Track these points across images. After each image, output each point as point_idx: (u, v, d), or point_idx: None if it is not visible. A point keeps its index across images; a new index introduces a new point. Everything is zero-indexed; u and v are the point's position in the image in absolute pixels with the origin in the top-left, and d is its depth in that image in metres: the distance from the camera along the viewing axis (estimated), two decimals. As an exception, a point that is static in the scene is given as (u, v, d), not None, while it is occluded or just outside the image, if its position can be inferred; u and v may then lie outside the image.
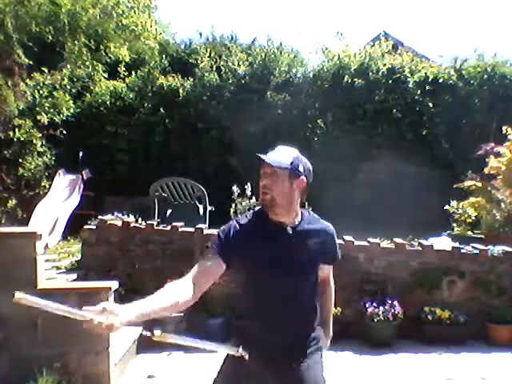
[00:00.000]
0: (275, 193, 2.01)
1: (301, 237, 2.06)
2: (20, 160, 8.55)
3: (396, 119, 8.95)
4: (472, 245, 5.74)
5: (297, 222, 2.08)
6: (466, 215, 6.78)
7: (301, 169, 2.06)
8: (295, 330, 2.08)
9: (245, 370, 2.02)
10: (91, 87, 9.94)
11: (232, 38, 11.32)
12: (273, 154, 2.07)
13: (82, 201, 8.48)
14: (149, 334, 1.85)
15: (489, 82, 9.19)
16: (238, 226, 2.03)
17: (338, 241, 5.76)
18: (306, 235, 2.08)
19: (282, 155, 2.06)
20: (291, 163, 2.04)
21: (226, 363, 2.11)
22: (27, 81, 9.16)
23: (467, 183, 7.26)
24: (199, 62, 9.87)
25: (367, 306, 5.21)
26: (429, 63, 9.82)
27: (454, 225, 6.91)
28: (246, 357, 2.00)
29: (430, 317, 5.26)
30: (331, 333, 2.40)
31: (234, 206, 6.06)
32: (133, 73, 10.20)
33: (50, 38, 10.64)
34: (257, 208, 2.16)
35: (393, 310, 5.13)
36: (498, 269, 5.54)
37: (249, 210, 2.07)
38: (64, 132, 9.23)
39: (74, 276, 5.35)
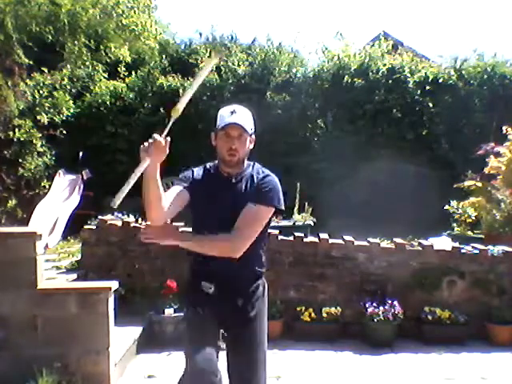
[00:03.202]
0: (241, 154, 2.28)
1: (241, 183, 2.31)
2: (20, 160, 8.55)
3: (396, 119, 8.96)
4: (472, 245, 5.74)
5: (240, 171, 2.34)
6: (465, 215, 6.78)
7: (253, 128, 2.35)
8: (238, 266, 2.24)
9: (207, 300, 2.30)
10: (91, 87, 9.94)
11: (232, 37, 11.33)
12: (239, 117, 2.28)
13: (82, 201, 8.48)
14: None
15: (489, 82, 9.19)
16: (195, 172, 2.39)
17: (338, 241, 5.72)
18: (245, 182, 2.32)
19: (247, 118, 2.32)
20: (253, 125, 2.34)
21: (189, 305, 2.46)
22: (27, 81, 9.15)
23: (467, 183, 7.26)
24: (199, 62, 9.88)
25: (367, 305, 5.21)
26: (429, 63, 9.82)
27: (454, 225, 6.90)
28: (212, 289, 2.30)
29: (430, 317, 5.26)
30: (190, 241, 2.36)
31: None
32: (133, 73, 10.21)
33: (50, 37, 10.63)
34: (210, 164, 2.44)
35: (393, 310, 5.13)
36: (498, 269, 5.54)
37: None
38: (64, 132, 9.23)
39: (74, 276, 5.35)
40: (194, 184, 2.32)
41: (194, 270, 2.42)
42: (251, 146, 2.36)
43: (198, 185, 2.32)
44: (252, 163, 2.41)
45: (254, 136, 2.36)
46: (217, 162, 2.39)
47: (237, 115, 2.27)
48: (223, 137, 2.27)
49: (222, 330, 2.36)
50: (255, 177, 2.33)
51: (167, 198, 2.23)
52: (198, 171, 2.40)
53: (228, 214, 2.24)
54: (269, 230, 2.57)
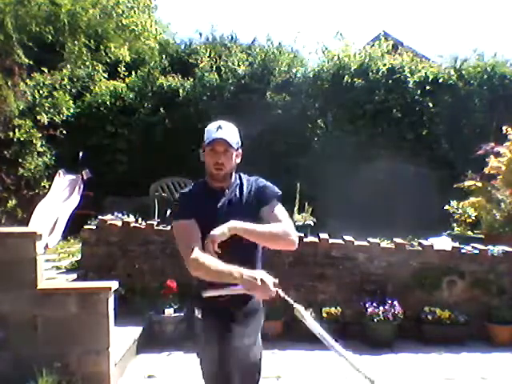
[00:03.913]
0: (227, 168, 2.33)
1: (235, 194, 2.37)
2: (20, 160, 8.55)
3: (396, 119, 8.95)
4: (472, 245, 5.74)
5: (229, 184, 2.39)
6: (465, 215, 6.77)
7: (239, 143, 2.39)
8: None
9: (213, 324, 2.25)
10: (91, 87, 9.93)
11: (232, 38, 11.32)
12: (225, 132, 2.31)
13: (82, 201, 8.48)
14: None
15: (489, 82, 9.18)
16: (188, 196, 2.38)
17: (338, 241, 5.73)
18: (237, 192, 2.38)
19: (232, 133, 2.36)
20: (239, 140, 2.38)
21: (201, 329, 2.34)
22: (27, 81, 9.14)
23: (467, 183, 7.25)
24: (199, 62, 9.88)
25: (367, 305, 5.21)
26: (429, 63, 9.81)
27: (454, 225, 6.90)
28: (200, 315, 2.29)
29: (429, 317, 5.27)
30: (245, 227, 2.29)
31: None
32: (133, 73, 10.20)
33: (50, 37, 10.61)
34: (197, 181, 2.49)
35: (393, 310, 5.13)
36: (498, 269, 5.54)
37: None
38: (64, 132, 9.22)
39: (74, 276, 5.35)
40: (196, 210, 2.30)
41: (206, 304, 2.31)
42: (238, 160, 2.41)
43: (198, 209, 2.30)
44: (237, 175, 2.46)
45: (240, 150, 2.41)
46: (205, 178, 2.43)
47: (222, 131, 2.31)
48: (210, 152, 2.32)
49: None
50: (246, 184, 2.41)
51: (200, 245, 2.22)
52: (190, 198, 2.37)
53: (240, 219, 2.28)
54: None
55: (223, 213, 2.30)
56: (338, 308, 5.32)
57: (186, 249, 2.19)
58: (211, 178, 2.36)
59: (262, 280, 2.05)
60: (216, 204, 2.33)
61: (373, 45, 9.81)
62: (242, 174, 2.48)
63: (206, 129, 2.38)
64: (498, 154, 7.07)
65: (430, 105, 8.97)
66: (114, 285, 3.89)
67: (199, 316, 2.31)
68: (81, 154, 9.03)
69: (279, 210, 2.38)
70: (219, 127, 2.31)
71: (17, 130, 8.51)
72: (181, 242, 2.25)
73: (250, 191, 2.39)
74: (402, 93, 9.01)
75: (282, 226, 2.30)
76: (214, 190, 2.37)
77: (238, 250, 2.21)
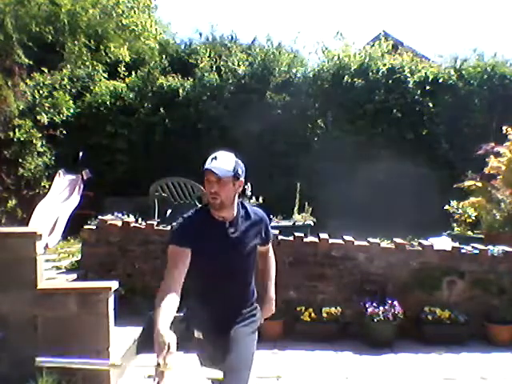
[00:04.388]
0: (223, 197, 2.38)
1: (238, 228, 2.47)
2: (20, 160, 8.54)
3: (396, 119, 8.95)
4: (472, 245, 5.74)
5: (234, 215, 2.47)
6: (465, 215, 6.78)
7: (240, 172, 2.43)
8: (234, 306, 2.52)
9: (204, 343, 2.55)
10: (91, 87, 9.92)
11: (232, 37, 11.31)
12: (217, 163, 2.38)
13: (82, 201, 8.47)
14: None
15: (489, 82, 9.19)
16: (188, 222, 2.45)
17: (338, 241, 5.74)
18: (241, 226, 2.48)
19: (225, 163, 2.40)
20: (233, 170, 2.39)
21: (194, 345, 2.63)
22: (27, 81, 9.14)
23: (467, 183, 7.26)
24: (199, 62, 9.87)
25: (367, 305, 5.21)
26: (429, 63, 9.81)
27: (454, 225, 6.90)
28: (201, 336, 2.55)
29: (430, 317, 5.26)
30: (273, 296, 2.81)
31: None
32: (133, 73, 10.19)
33: (50, 38, 10.60)
34: (199, 206, 2.62)
35: (393, 310, 5.13)
36: (498, 269, 5.54)
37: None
38: (64, 132, 9.21)
39: (74, 276, 5.35)
40: (193, 241, 2.37)
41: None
42: (239, 190, 2.46)
43: (197, 240, 2.37)
44: (240, 205, 2.53)
45: (241, 179, 2.44)
46: (208, 206, 2.49)
47: (216, 161, 2.38)
48: (206, 181, 2.42)
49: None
50: (252, 219, 2.54)
51: (180, 272, 2.36)
52: (192, 226, 2.43)
53: (234, 257, 2.47)
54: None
55: (224, 249, 2.43)
56: (338, 308, 5.32)
57: (165, 274, 2.35)
58: (211, 206, 2.43)
59: (163, 346, 1.97)
60: (218, 238, 2.43)
61: (373, 45, 9.81)
62: (246, 205, 2.58)
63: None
64: (497, 154, 7.07)
65: (430, 105, 8.98)
66: (114, 285, 3.88)
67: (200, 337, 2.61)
68: (81, 154, 9.03)
69: (271, 248, 2.78)
70: (214, 158, 2.39)
71: (17, 129, 8.50)
72: (167, 265, 2.38)
73: (250, 226, 2.52)
74: (402, 93, 9.01)
75: (273, 263, 2.82)
76: (216, 221, 2.45)
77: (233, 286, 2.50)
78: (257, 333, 2.59)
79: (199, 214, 2.49)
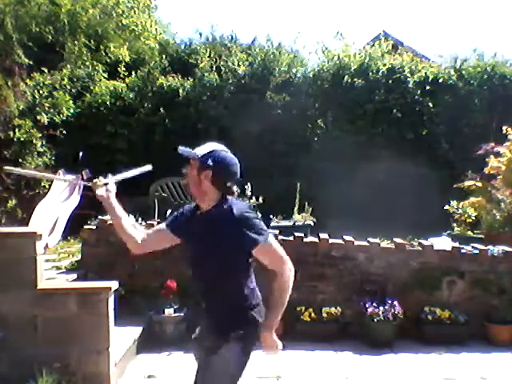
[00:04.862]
0: (189, 180, 2.38)
1: (207, 222, 2.34)
2: (20, 160, 8.53)
3: (396, 119, 8.95)
4: (472, 245, 5.74)
5: (208, 208, 2.35)
6: (465, 215, 6.77)
7: (210, 162, 2.30)
8: (214, 305, 2.36)
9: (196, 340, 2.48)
10: (91, 87, 9.93)
11: (232, 38, 11.32)
12: (197, 147, 2.39)
13: (82, 201, 8.47)
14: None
15: (489, 82, 9.19)
16: (183, 210, 2.52)
17: (338, 241, 5.72)
18: (211, 221, 2.33)
19: (200, 149, 2.37)
20: (202, 156, 2.32)
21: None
22: (27, 81, 9.13)
23: (467, 183, 7.26)
24: (199, 62, 9.87)
25: (367, 305, 5.21)
26: (429, 63, 9.81)
27: (454, 225, 6.90)
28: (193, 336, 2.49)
29: (430, 317, 5.26)
30: (272, 324, 2.36)
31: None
32: (133, 73, 10.19)
33: (50, 38, 10.61)
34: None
35: (393, 310, 5.13)
36: (498, 269, 5.54)
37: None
38: (64, 132, 9.21)
39: (74, 276, 5.34)
40: (180, 223, 2.48)
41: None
42: (207, 181, 2.32)
43: (183, 224, 2.47)
44: (226, 199, 2.34)
45: (208, 172, 2.30)
46: None
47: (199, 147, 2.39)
48: None
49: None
50: (231, 216, 2.27)
51: (149, 235, 2.62)
52: (185, 210, 2.53)
53: (207, 252, 2.34)
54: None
55: (197, 241, 2.38)
56: (338, 308, 5.32)
57: None
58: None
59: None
60: (195, 229, 2.39)
61: (373, 45, 9.81)
62: (233, 202, 2.33)
63: None
64: (497, 154, 7.07)
65: (430, 105, 8.98)
66: (114, 285, 3.88)
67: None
68: (81, 154, 9.03)
69: (275, 249, 2.40)
70: (200, 148, 2.38)
71: (17, 129, 8.50)
72: None
73: (222, 224, 2.29)
74: (402, 93, 9.01)
75: (283, 281, 2.50)
76: (198, 212, 2.43)
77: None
78: (243, 352, 2.30)
79: (192, 205, 2.50)
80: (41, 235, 3.81)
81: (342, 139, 8.66)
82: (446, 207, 6.99)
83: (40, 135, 8.80)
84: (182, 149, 2.35)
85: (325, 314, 5.24)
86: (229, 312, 2.33)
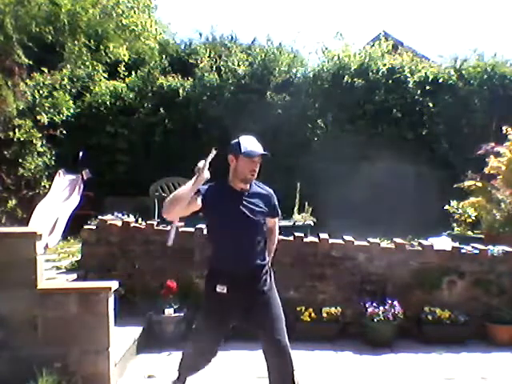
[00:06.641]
0: (256, 169, 3.10)
1: (251, 196, 3.10)
2: (20, 160, 8.53)
3: (396, 119, 8.95)
4: (472, 245, 5.74)
5: (248, 188, 3.11)
6: (466, 215, 6.78)
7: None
8: (250, 261, 3.04)
9: (221, 300, 3.01)
10: (91, 87, 9.93)
11: (232, 38, 11.32)
12: (259, 147, 3.14)
13: (82, 201, 8.47)
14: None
15: (489, 82, 9.18)
16: (213, 186, 3.09)
17: (338, 241, 5.75)
18: (254, 195, 3.12)
19: (259, 145, 3.17)
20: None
21: (206, 300, 3.14)
22: (27, 81, 9.13)
23: (467, 183, 7.25)
24: (199, 62, 9.87)
25: (367, 305, 5.21)
26: (429, 63, 9.81)
27: (454, 225, 6.90)
28: (225, 290, 2.96)
29: (430, 317, 5.26)
30: (271, 254, 3.36)
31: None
32: (133, 73, 10.19)
33: (50, 38, 10.59)
34: (218, 180, 3.16)
35: (393, 310, 5.13)
36: (498, 269, 5.54)
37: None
38: (64, 132, 9.21)
39: (74, 276, 5.34)
40: (209, 196, 3.03)
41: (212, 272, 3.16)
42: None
43: (213, 197, 3.03)
44: (254, 182, 3.17)
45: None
46: (227, 179, 3.12)
47: (257, 145, 3.09)
48: (249, 161, 3.01)
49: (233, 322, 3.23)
50: (262, 193, 3.17)
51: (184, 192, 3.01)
52: (213, 186, 3.10)
53: (244, 218, 3.04)
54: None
55: (238, 209, 3.01)
56: (338, 308, 5.32)
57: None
58: (242, 181, 3.04)
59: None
60: (235, 201, 3.03)
61: (373, 45, 9.81)
62: (257, 182, 3.18)
63: (237, 141, 3.10)
64: (498, 154, 7.07)
65: (430, 105, 8.98)
66: (114, 285, 3.88)
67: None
68: (81, 154, 9.03)
69: (277, 222, 3.39)
70: (252, 142, 3.07)
71: (17, 129, 8.49)
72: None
73: (264, 199, 3.14)
74: (402, 93, 9.02)
75: (276, 236, 3.43)
76: (235, 190, 3.07)
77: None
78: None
79: (220, 184, 3.12)
80: (41, 235, 3.81)
81: (342, 139, 8.66)
82: (446, 207, 6.99)
83: (40, 135, 8.80)
84: (264, 152, 3.07)
85: (325, 314, 5.24)
86: (258, 256, 3.07)
